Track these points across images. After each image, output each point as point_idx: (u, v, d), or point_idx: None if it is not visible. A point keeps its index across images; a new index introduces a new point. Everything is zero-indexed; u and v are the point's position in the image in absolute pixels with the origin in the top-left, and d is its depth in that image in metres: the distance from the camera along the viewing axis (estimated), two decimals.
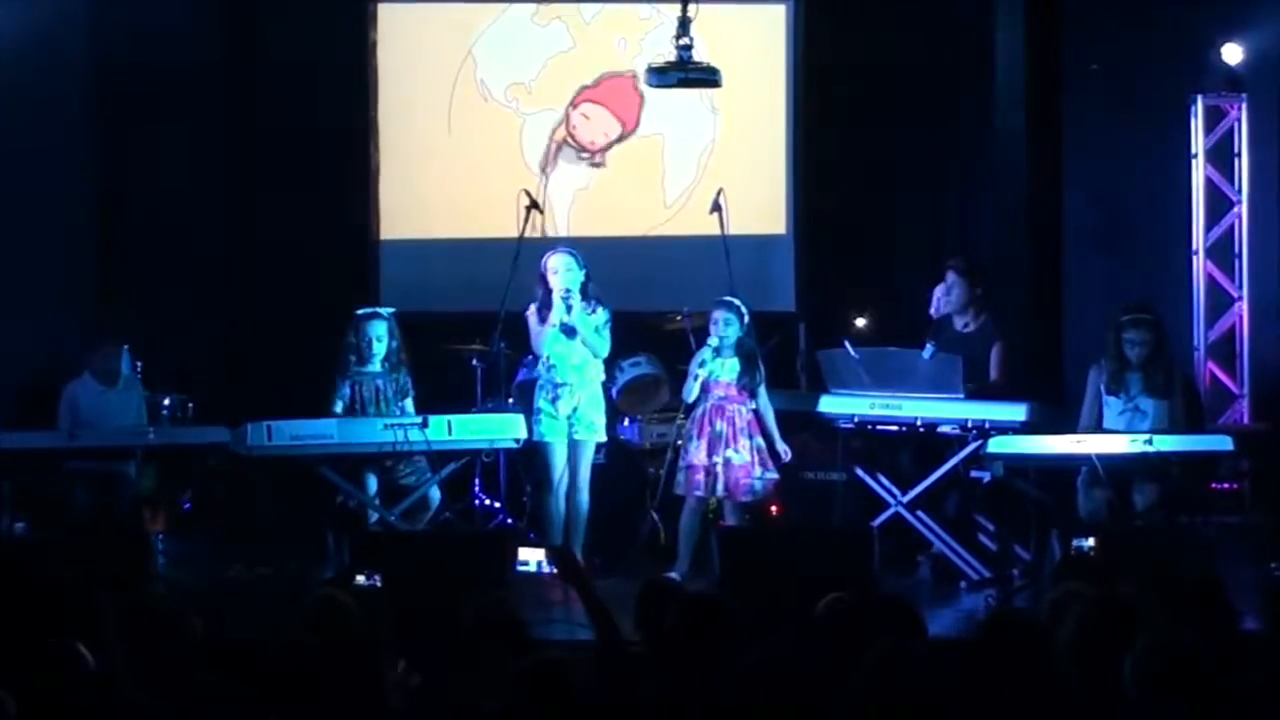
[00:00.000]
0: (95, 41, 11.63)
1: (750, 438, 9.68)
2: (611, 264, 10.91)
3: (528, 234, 10.64)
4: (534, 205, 10.67)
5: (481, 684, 5.12)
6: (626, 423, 10.80)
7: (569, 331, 9.77)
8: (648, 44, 11.85)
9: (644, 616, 5.92)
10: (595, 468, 10.13)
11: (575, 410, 9.79)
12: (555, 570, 8.02)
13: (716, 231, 10.69)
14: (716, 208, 10.70)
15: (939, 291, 10.47)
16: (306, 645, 5.12)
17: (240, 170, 11.93)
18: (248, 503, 10.63)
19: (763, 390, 9.78)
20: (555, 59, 12.17)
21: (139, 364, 10.37)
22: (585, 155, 12.18)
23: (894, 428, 9.87)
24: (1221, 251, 11.71)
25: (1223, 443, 9.54)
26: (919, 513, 9.86)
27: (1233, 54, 11.54)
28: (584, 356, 9.82)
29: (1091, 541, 8.39)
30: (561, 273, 9.79)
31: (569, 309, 9.75)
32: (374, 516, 9.73)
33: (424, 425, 9.49)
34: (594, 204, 12.17)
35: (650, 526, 10.11)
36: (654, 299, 11.27)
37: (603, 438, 9.96)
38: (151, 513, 10.03)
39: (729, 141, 12.23)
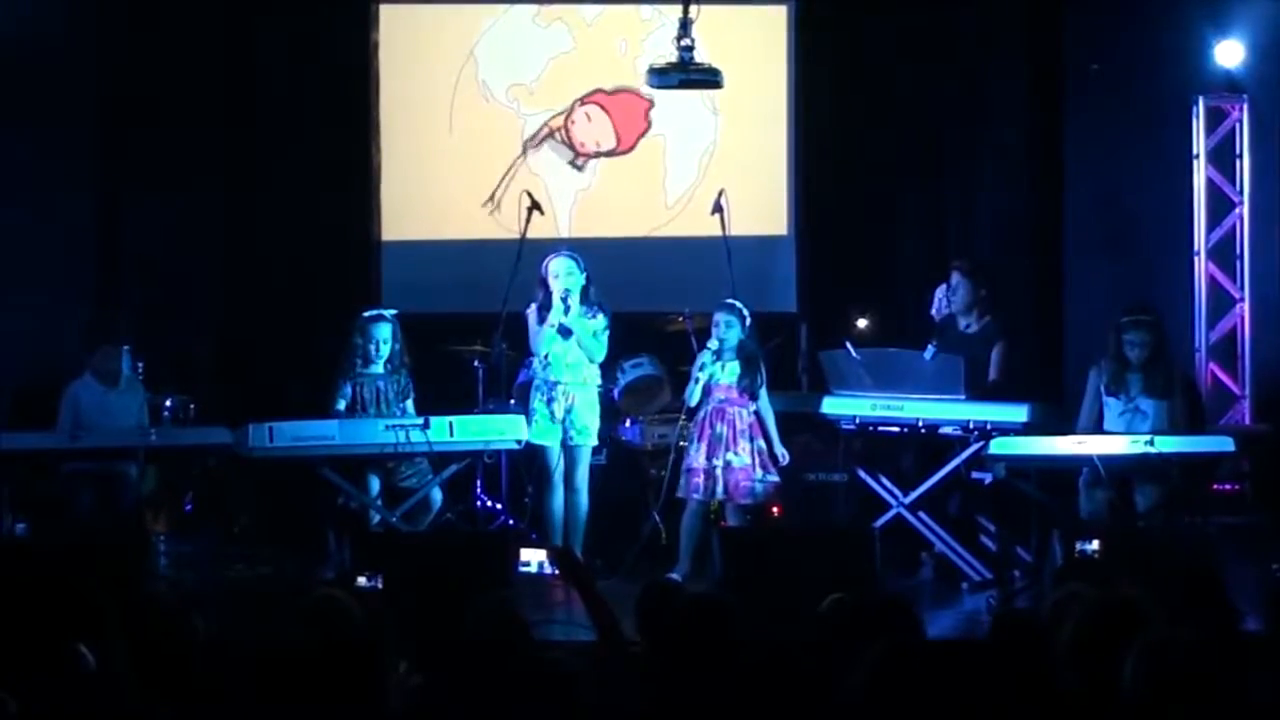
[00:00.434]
0: (97, 42, 11.64)
1: (751, 440, 9.69)
2: (613, 265, 10.92)
3: (529, 235, 10.64)
4: (535, 206, 10.67)
5: (483, 685, 5.11)
6: (628, 424, 10.81)
7: (564, 332, 9.78)
8: (649, 45, 11.85)
9: (645, 617, 5.92)
10: (596, 469, 10.16)
11: (570, 413, 9.81)
12: (557, 571, 8.04)
13: (718, 232, 10.70)
14: (718, 208, 10.70)
15: (940, 292, 10.47)
16: (307, 646, 5.11)
17: (242, 170, 11.92)
18: (249, 504, 10.63)
19: (763, 393, 9.78)
20: (556, 60, 12.17)
21: (140, 365, 10.37)
22: (570, 153, 12.16)
23: (895, 429, 9.87)
24: (1223, 252, 11.71)
25: (1224, 444, 9.55)
26: (920, 514, 9.86)
27: (1229, 53, 11.52)
28: (579, 357, 9.84)
29: (1095, 544, 8.39)
30: (562, 276, 9.81)
31: (567, 310, 9.76)
32: (375, 518, 9.74)
33: (425, 426, 9.49)
34: (595, 205, 12.17)
35: (652, 528, 10.11)
36: (655, 300, 11.27)
37: (596, 441, 9.97)
38: (153, 513, 10.04)
39: (730, 142, 12.22)
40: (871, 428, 9.92)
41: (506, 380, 10.73)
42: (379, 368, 9.90)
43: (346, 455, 9.60)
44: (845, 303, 11.71)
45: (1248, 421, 11.51)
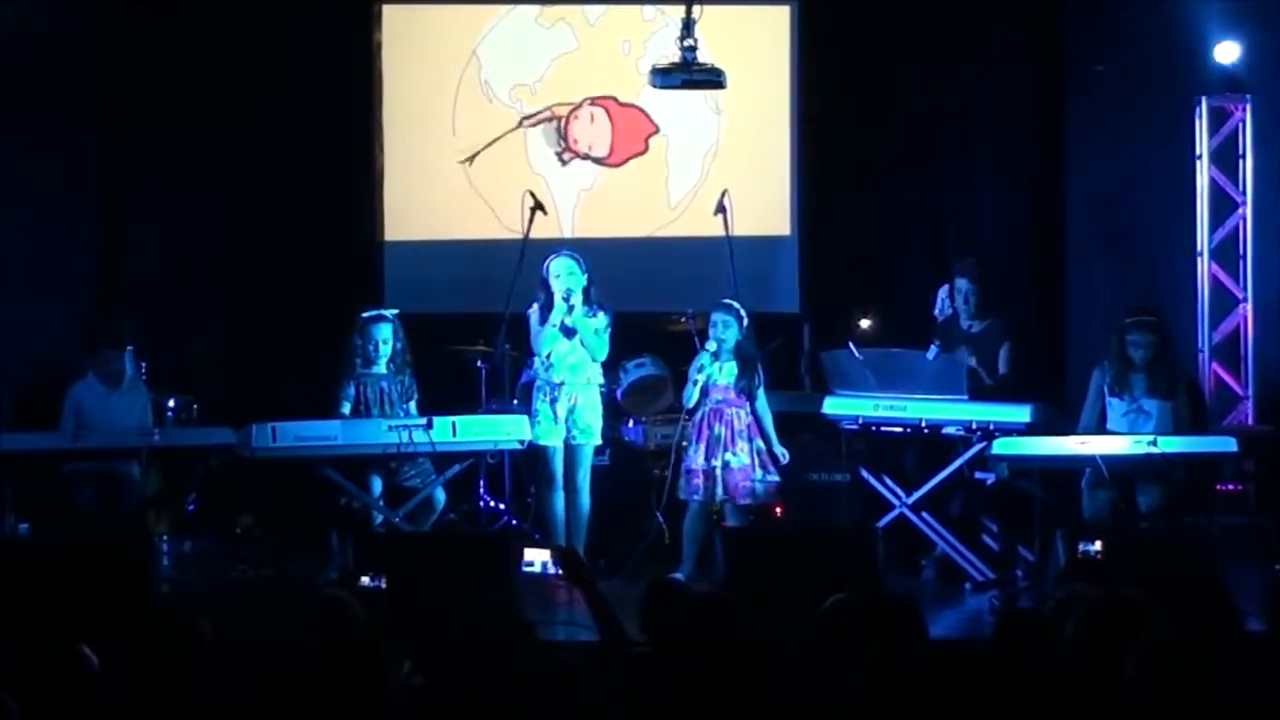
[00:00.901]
0: (99, 42, 11.65)
1: (749, 440, 9.69)
2: (616, 265, 10.93)
3: (532, 235, 10.64)
4: (538, 206, 10.67)
5: (486, 685, 5.11)
6: (631, 424, 10.81)
7: (568, 332, 9.79)
8: (652, 45, 11.85)
9: (649, 617, 5.92)
10: (599, 469, 10.16)
11: (572, 413, 9.82)
12: (560, 571, 8.03)
13: (721, 233, 10.69)
14: (721, 209, 10.69)
15: (943, 292, 10.48)
16: (310, 647, 5.12)
17: (245, 171, 11.93)
18: (252, 504, 10.64)
19: (761, 393, 9.79)
20: (559, 60, 12.16)
21: (144, 365, 10.37)
22: (559, 144, 12.15)
23: (898, 429, 9.87)
24: (1226, 253, 11.70)
25: (1227, 444, 9.54)
26: (923, 514, 9.86)
27: (1228, 52, 11.51)
28: (581, 358, 9.85)
29: (1097, 544, 8.39)
30: (564, 276, 9.82)
31: (569, 309, 9.77)
32: (378, 518, 9.74)
33: (428, 427, 9.50)
34: (598, 205, 12.16)
35: (655, 528, 10.12)
36: (658, 300, 11.27)
37: (599, 441, 9.98)
38: (155, 514, 10.04)
39: (733, 143, 12.22)
40: (874, 428, 9.91)
41: (509, 380, 10.74)
42: (381, 368, 9.91)
43: (349, 455, 9.60)
44: (848, 303, 11.70)
45: (1250, 422, 11.50)
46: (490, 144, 11.81)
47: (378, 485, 9.84)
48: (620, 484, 10.33)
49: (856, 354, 9.99)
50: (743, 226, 11.11)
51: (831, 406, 10.01)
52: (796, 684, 4.99)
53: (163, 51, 11.71)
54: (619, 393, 10.75)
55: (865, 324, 11.48)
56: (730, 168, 12.04)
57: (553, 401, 9.84)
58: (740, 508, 9.70)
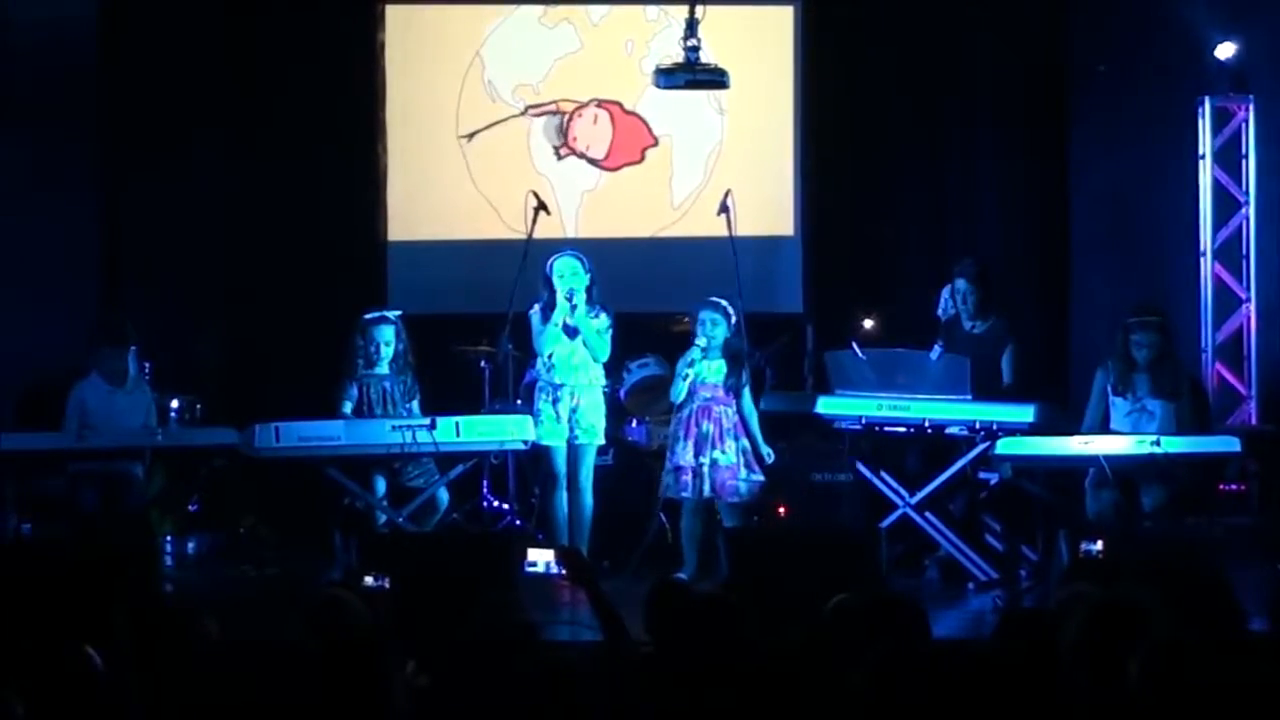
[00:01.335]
0: (100, 42, 11.65)
1: (736, 439, 9.71)
2: (619, 265, 10.94)
3: (536, 235, 10.64)
4: (542, 206, 10.67)
5: (490, 685, 5.12)
6: (634, 424, 10.82)
7: (570, 332, 9.80)
8: (655, 46, 11.86)
9: (654, 617, 5.92)
10: (603, 469, 10.17)
11: (575, 412, 9.82)
12: (563, 571, 8.03)
13: (724, 233, 10.68)
14: (724, 209, 10.68)
15: (946, 293, 10.47)
16: (314, 647, 5.12)
17: (248, 172, 11.93)
18: (255, 504, 10.64)
19: (747, 392, 9.80)
20: (563, 60, 12.17)
21: (147, 365, 10.37)
22: (557, 139, 12.14)
23: (902, 429, 9.86)
24: (1229, 253, 11.69)
25: (1230, 444, 9.54)
26: (927, 514, 9.85)
27: (1230, 52, 11.50)
28: (584, 358, 9.86)
29: (1099, 544, 8.39)
30: (567, 276, 9.83)
31: (573, 309, 9.77)
32: (382, 518, 9.74)
33: (432, 427, 9.50)
34: (601, 205, 12.17)
35: (658, 528, 10.12)
36: (661, 300, 11.28)
37: (602, 441, 9.98)
38: (159, 514, 10.05)
39: (737, 143, 12.22)
40: (878, 428, 9.91)
41: (512, 380, 10.74)
42: (384, 368, 9.91)
43: (353, 456, 9.60)
44: (851, 303, 11.70)
45: (1254, 422, 11.50)
46: (491, 125, 11.78)
47: (381, 485, 9.84)
48: (624, 484, 10.33)
49: (860, 354, 9.98)
50: (746, 226, 11.10)
51: (825, 406, 10.01)
52: (799, 684, 4.98)
53: (165, 51, 11.71)
54: (622, 393, 10.76)
55: (868, 324, 11.48)
56: (733, 168, 12.04)
57: (555, 401, 9.85)
58: (732, 506, 9.69)
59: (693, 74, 9.69)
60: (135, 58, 11.71)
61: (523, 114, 12.10)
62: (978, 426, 9.62)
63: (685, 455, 9.69)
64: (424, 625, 6.08)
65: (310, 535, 10.16)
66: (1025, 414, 9.52)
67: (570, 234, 11.85)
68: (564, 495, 9.88)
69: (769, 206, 12.14)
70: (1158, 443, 9.22)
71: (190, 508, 10.49)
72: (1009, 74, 12.24)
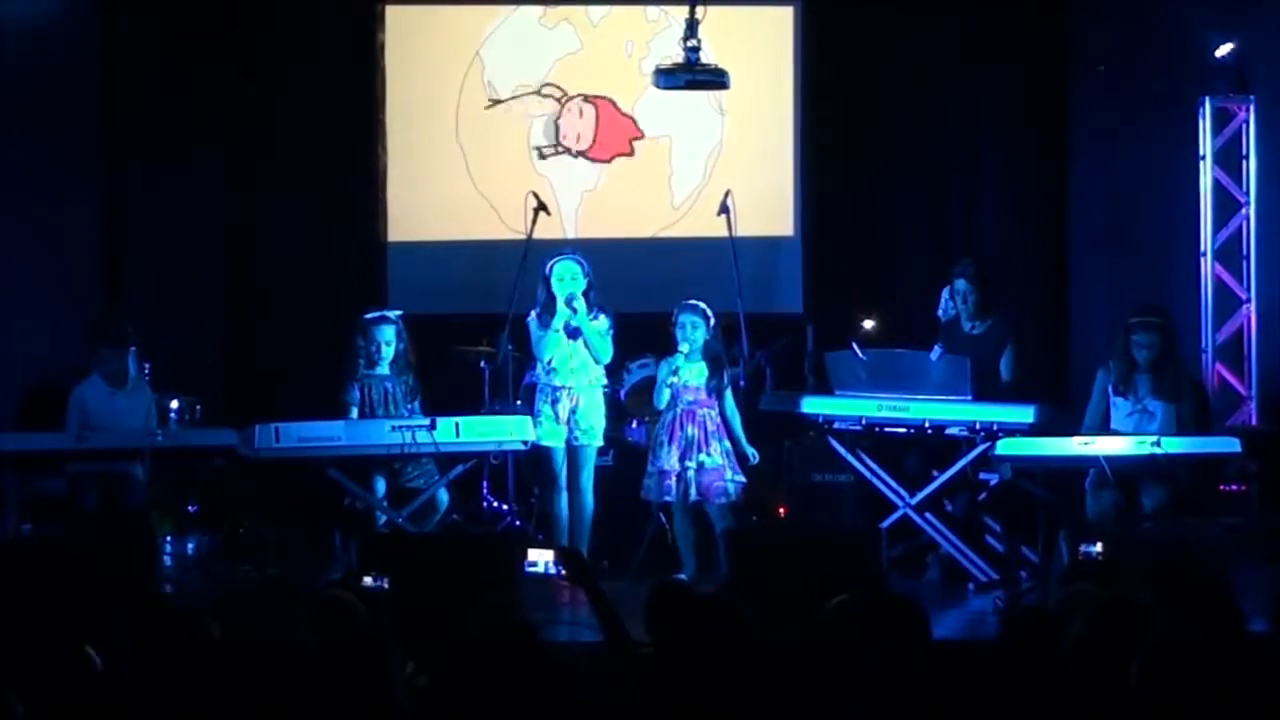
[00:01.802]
0: (101, 42, 11.65)
1: (720, 441, 9.71)
2: (619, 266, 10.94)
3: (536, 235, 10.64)
4: (541, 207, 10.67)
5: (489, 686, 5.12)
6: (635, 425, 10.82)
7: (572, 333, 9.79)
8: (656, 46, 11.88)
9: (656, 618, 5.91)
10: (603, 470, 10.17)
11: (574, 414, 9.82)
12: (563, 572, 8.03)
13: (724, 233, 10.69)
14: (724, 209, 10.69)
15: (946, 293, 10.47)
16: (314, 647, 5.12)
17: (248, 172, 11.94)
18: (255, 505, 10.64)
19: (729, 393, 9.80)
20: (563, 61, 12.17)
21: (147, 366, 10.37)
22: (550, 139, 12.13)
23: (902, 430, 9.86)
24: (1229, 253, 11.68)
25: (1230, 445, 9.53)
26: (927, 515, 9.85)
27: (1231, 52, 11.49)
28: (583, 359, 9.85)
29: (1099, 545, 8.38)
30: (566, 280, 9.82)
31: (573, 312, 9.76)
32: (382, 518, 9.74)
33: (432, 427, 9.49)
34: (601, 205, 12.17)
35: (657, 529, 10.12)
36: (661, 300, 11.22)
37: (602, 442, 9.98)
38: (159, 515, 10.04)
39: (737, 143, 12.22)
40: (878, 429, 9.90)
41: (512, 381, 10.73)
42: (384, 369, 9.91)
43: (353, 456, 9.60)
44: (851, 304, 11.70)
45: (1254, 422, 11.49)
46: (515, 98, 11.70)
47: (381, 486, 9.84)
48: (624, 484, 10.32)
49: (860, 354, 9.98)
50: (746, 227, 11.10)
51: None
52: (800, 684, 4.98)
53: (165, 52, 11.72)
54: (622, 393, 10.77)
55: (869, 324, 11.48)
56: (733, 168, 12.04)
57: (554, 402, 9.84)
58: (720, 508, 9.68)
59: (693, 74, 9.69)
60: (136, 58, 11.73)
61: (512, 94, 12.08)
62: (978, 427, 9.62)
63: (670, 459, 9.69)
64: (424, 626, 6.08)
65: (310, 536, 10.15)
66: (1025, 414, 9.51)
67: (570, 234, 11.85)
68: (564, 496, 9.88)
69: (769, 207, 12.14)
70: (1158, 443, 9.21)
71: (190, 508, 10.48)
72: (1009, 74, 12.23)
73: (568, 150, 12.16)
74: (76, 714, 4.70)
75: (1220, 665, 4.56)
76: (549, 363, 9.87)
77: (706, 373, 9.73)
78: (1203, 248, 11.67)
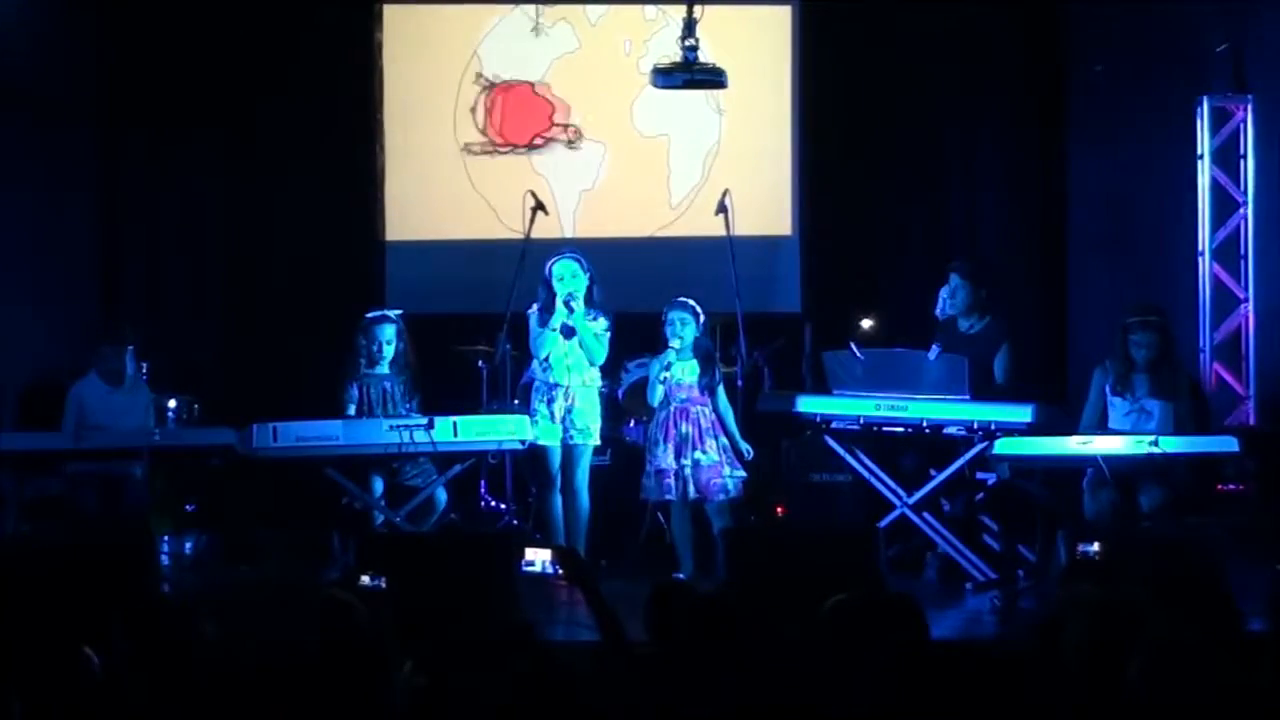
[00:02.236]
0: (99, 42, 11.65)
1: (715, 437, 9.71)
2: (617, 265, 10.92)
3: (534, 235, 10.63)
4: (539, 206, 10.67)
5: (488, 685, 5.11)
6: (632, 424, 10.81)
7: (568, 332, 9.78)
8: (653, 45, 11.87)
9: (655, 617, 5.91)
10: (601, 469, 10.17)
11: (569, 413, 9.81)
12: (560, 571, 8.03)
13: (722, 232, 10.69)
14: (722, 209, 10.68)
15: (944, 292, 10.47)
16: (312, 647, 5.12)
17: (246, 171, 11.94)
18: (253, 504, 10.63)
19: (721, 390, 9.80)
20: (561, 60, 12.17)
21: (145, 365, 10.37)
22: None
23: (900, 429, 9.86)
24: (1227, 253, 11.69)
25: (1229, 444, 9.53)
26: (925, 514, 9.85)
27: (1233, 53, 11.50)
28: (579, 359, 9.84)
29: (1096, 546, 8.37)
30: (566, 279, 9.82)
31: (570, 312, 9.76)
32: (379, 518, 9.74)
33: (430, 426, 9.49)
34: (599, 205, 12.17)
35: (655, 528, 10.12)
36: (660, 300, 11.20)
37: (597, 441, 9.97)
38: (157, 514, 10.03)
39: (734, 142, 12.23)
40: (876, 428, 9.90)
41: (510, 380, 10.73)
42: (385, 368, 9.92)
43: (350, 455, 9.60)
44: (849, 303, 11.71)
45: (1252, 422, 11.50)
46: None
47: (379, 485, 9.84)
48: (622, 484, 10.32)
49: (858, 354, 9.98)
50: (744, 226, 11.10)
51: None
52: (798, 684, 4.98)
53: (163, 51, 11.72)
54: (620, 392, 10.77)
55: (866, 324, 11.49)
56: (731, 167, 12.04)
57: (549, 402, 9.84)
58: (719, 506, 9.67)
59: (691, 73, 9.69)
60: (134, 58, 11.73)
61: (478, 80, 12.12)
62: (976, 426, 9.62)
63: (666, 458, 9.68)
64: (422, 625, 6.08)
65: (308, 535, 10.14)
66: (1023, 414, 9.51)
67: (568, 234, 11.85)
68: (560, 496, 9.87)
69: (767, 206, 12.15)
70: (1156, 443, 9.21)
71: (188, 508, 10.47)
72: (1007, 73, 12.24)
73: (492, 143, 12.14)
74: (73, 714, 4.70)
75: (1218, 665, 4.55)
76: (545, 360, 9.86)
77: (699, 370, 9.72)
78: (1201, 247, 11.68)
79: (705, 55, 9.69)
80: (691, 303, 9.82)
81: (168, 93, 11.73)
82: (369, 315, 10.00)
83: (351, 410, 9.86)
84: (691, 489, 9.64)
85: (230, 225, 11.98)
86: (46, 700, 4.64)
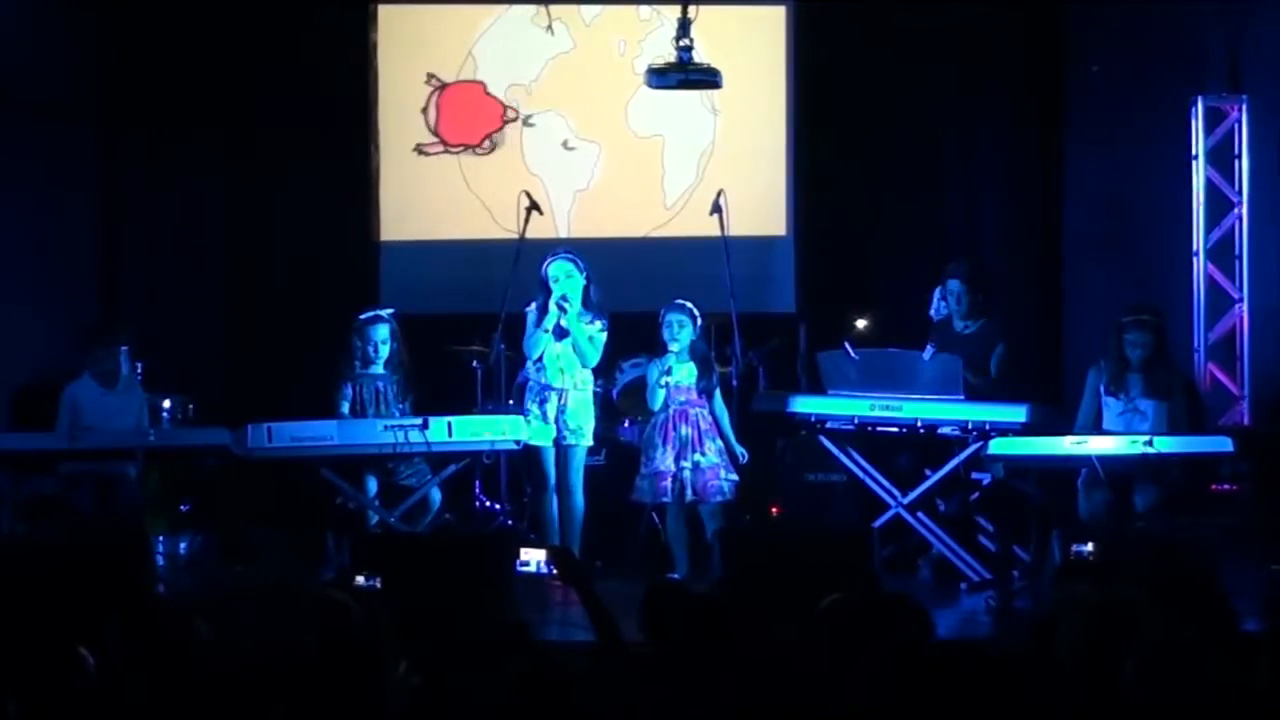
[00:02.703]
0: (97, 42, 11.65)
1: (714, 440, 9.72)
2: (612, 265, 10.92)
3: (528, 235, 10.63)
4: (534, 206, 10.67)
5: (483, 686, 5.12)
6: (627, 424, 10.81)
7: (560, 333, 9.78)
8: (648, 45, 11.86)
9: (650, 618, 5.91)
10: (595, 469, 10.17)
11: (562, 414, 9.81)
12: (555, 571, 8.02)
13: (717, 233, 10.68)
14: (717, 209, 10.68)
15: (939, 293, 10.47)
16: (306, 647, 5.12)
17: (241, 171, 11.93)
18: (247, 505, 10.62)
19: (718, 392, 9.80)
20: (555, 60, 12.17)
21: (139, 365, 10.37)
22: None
23: (894, 429, 9.86)
24: (1222, 253, 11.70)
25: (1223, 444, 9.53)
26: (919, 514, 9.85)
27: (1228, 53, 11.51)
28: (572, 360, 9.84)
29: (1091, 546, 8.38)
30: (561, 280, 9.82)
31: (563, 313, 9.76)
32: (374, 518, 9.74)
33: (424, 426, 9.49)
34: (594, 205, 12.17)
35: (650, 528, 10.12)
36: (654, 300, 11.22)
37: (590, 442, 9.97)
38: (152, 515, 10.03)
39: (729, 143, 12.22)
40: (870, 428, 9.91)
41: (505, 380, 10.73)
42: (379, 368, 9.91)
43: (345, 455, 9.59)
44: (844, 303, 11.71)
45: (1246, 422, 11.50)
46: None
47: (373, 485, 9.84)
48: (616, 484, 10.32)
49: (852, 354, 9.98)
50: (739, 226, 11.08)
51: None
52: (793, 684, 4.98)
53: (163, 51, 11.71)
54: (615, 393, 10.76)
55: (861, 324, 11.49)
56: (726, 168, 12.04)
57: (542, 402, 9.83)
58: (715, 508, 9.67)
59: (685, 74, 9.69)
60: (134, 58, 11.72)
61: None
62: (970, 427, 9.63)
63: (665, 460, 9.68)
64: (417, 625, 6.08)
65: (303, 535, 10.14)
66: (1018, 414, 9.52)
67: (563, 234, 11.85)
68: (554, 496, 9.87)
69: (762, 206, 12.14)
70: (1150, 443, 9.22)
71: (182, 508, 10.47)
72: (1005, 73, 12.23)
73: (443, 142, 12.13)
74: (68, 714, 4.69)
75: (1213, 665, 4.56)
76: (538, 361, 9.86)
77: (697, 373, 9.72)
78: (1195, 247, 11.69)
79: (700, 55, 9.69)
80: (689, 305, 9.82)
81: (167, 93, 11.72)
82: (363, 315, 9.99)
83: (345, 410, 9.85)
84: (689, 491, 9.64)
85: (229, 225, 11.97)
86: (41, 700, 4.64)
